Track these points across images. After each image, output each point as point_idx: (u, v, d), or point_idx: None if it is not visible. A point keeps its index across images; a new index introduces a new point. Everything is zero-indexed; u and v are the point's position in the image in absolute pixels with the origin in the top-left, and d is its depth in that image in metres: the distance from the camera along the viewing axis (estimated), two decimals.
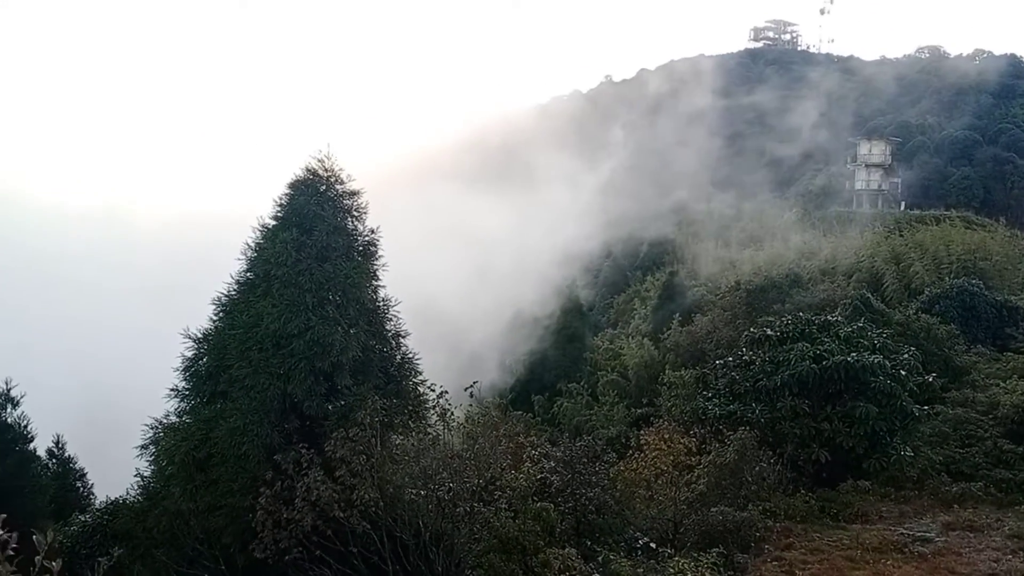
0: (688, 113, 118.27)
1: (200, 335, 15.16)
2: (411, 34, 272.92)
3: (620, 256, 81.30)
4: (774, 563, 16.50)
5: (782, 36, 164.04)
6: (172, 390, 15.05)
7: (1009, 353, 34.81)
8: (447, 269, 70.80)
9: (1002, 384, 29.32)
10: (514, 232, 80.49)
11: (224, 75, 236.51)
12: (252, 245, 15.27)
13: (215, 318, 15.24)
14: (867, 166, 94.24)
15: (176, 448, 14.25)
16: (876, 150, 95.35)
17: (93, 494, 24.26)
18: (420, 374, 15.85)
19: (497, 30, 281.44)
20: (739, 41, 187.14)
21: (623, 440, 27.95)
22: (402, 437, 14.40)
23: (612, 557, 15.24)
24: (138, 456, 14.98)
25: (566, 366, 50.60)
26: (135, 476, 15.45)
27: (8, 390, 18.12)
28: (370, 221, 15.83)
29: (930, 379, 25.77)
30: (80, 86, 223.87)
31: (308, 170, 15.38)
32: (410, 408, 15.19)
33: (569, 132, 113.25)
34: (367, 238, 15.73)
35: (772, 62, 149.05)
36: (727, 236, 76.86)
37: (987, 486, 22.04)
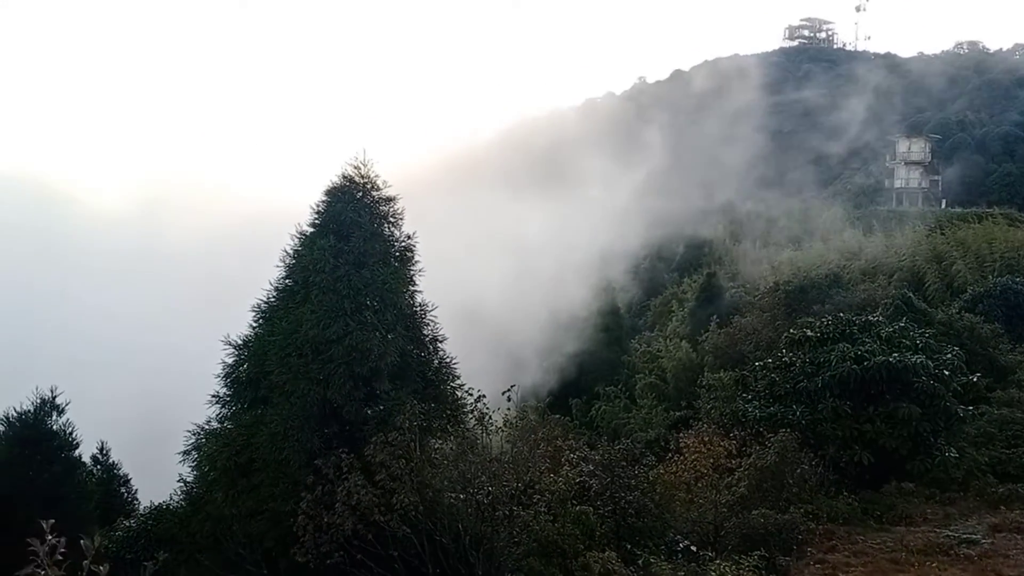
0: (729, 112, 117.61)
1: (240, 342, 15.36)
2: (438, 36, 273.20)
3: (658, 257, 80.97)
4: (817, 566, 16.35)
5: (818, 34, 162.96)
6: (213, 396, 15.27)
7: None
8: (486, 272, 70.85)
9: None
10: (553, 234, 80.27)
11: (261, 78, 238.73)
12: (290, 252, 15.47)
13: (255, 325, 15.45)
14: (907, 164, 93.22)
15: (218, 454, 14.45)
16: (916, 147, 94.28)
17: (137, 499, 24.61)
18: (458, 378, 15.93)
19: (524, 32, 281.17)
20: (773, 40, 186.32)
21: (662, 443, 27.82)
22: (441, 441, 14.48)
23: (652, 560, 15.20)
24: (181, 462, 15.21)
25: (604, 369, 50.49)
26: (178, 481, 15.69)
27: (53, 397, 18.40)
28: (408, 225, 15.98)
29: (974, 379, 25.40)
30: (105, 86, 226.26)
31: (344, 177, 15.54)
32: (448, 412, 15.27)
33: (606, 133, 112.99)
34: (404, 243, 15.86)
35: (810, 60, 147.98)
36: (767, 236, 76.28)
37: None
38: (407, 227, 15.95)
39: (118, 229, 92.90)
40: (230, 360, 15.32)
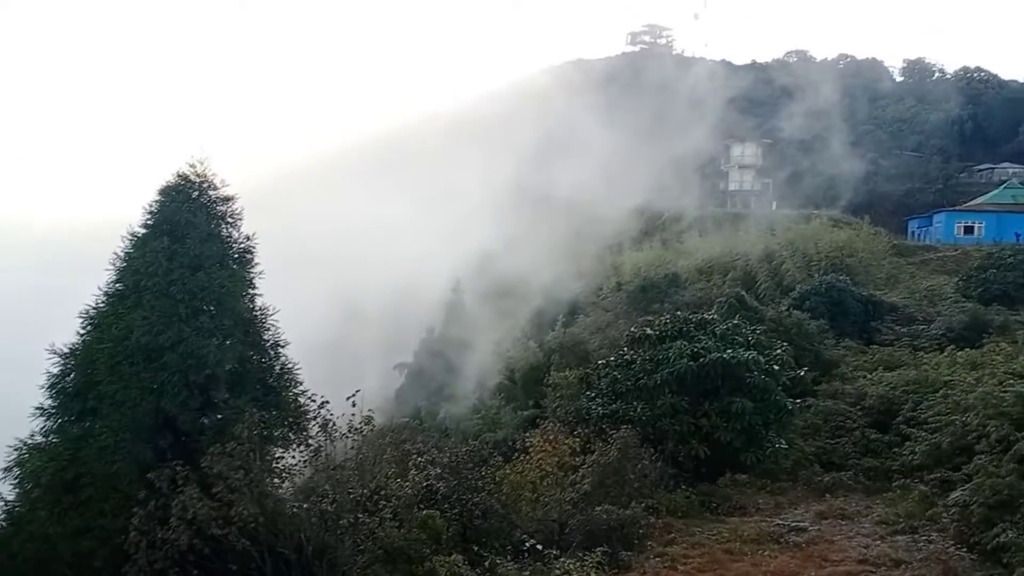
0: (570, 115, 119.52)
1: (67, 350, 14.57)
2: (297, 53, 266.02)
3: (506, 255, 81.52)
4: (657, 559, 16.81)
5: (658, 40, 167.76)
6: (37, 408, 14.41)
7: (875, 346, 36.39)
8: (329, 274, 69.83)
9: (868, 376, 30.59)
10: (403, 234, 79.83)
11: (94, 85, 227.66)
12: (121, 255, 14.79)
13: (82, 332, 14.68)
14: (740, 167, 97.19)
15: (42, 469, 13.69)
16: (748, 152, 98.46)
17: None
18: (300, 384, 15.57)
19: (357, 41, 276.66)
20: (615, 45, 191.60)
21: (510, 443, 28.02)
22: (282, 450, 14.16)
23: (499, 561, 15.29)
24: (1, 479, 14.30)
25: (452, 370, 50.60)
26: None
27: None
28: (247, 227, 15.54)
29: (802, 373, 26.74)
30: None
31: (179, 175, 14.99)
32: (290, 420, 14.92)
33: (449, 136, 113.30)
34: (242, 245, 15.41)
35: (648, 67, 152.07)
36: (610, 236, 77.92)
37: (856, 475, 22.96)
38: (247, 228, 15.53)
39: None
40: (55, 369, 14.51)
